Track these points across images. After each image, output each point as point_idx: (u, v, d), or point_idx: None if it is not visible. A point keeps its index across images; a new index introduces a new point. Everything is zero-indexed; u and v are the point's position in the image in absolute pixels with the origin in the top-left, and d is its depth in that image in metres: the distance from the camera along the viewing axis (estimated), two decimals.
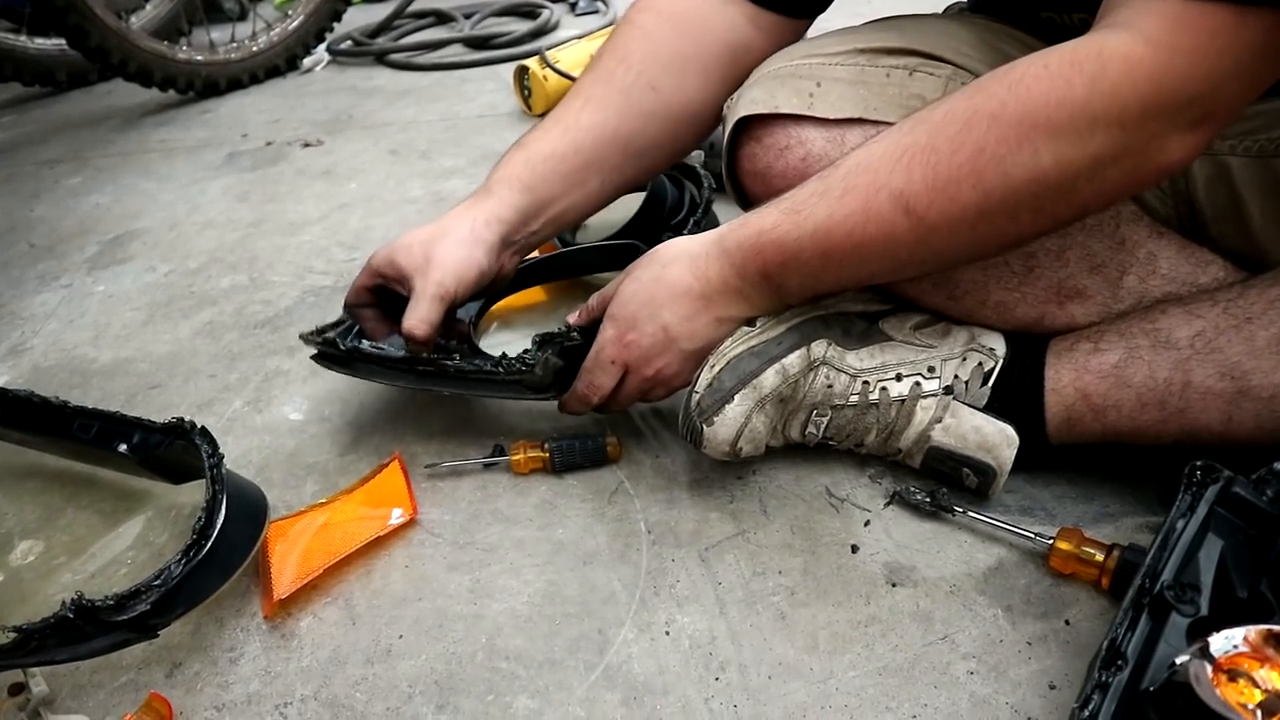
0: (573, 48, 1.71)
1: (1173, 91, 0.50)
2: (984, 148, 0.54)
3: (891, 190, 0.57)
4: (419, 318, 0.73)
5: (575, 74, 1.62)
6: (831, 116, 0.68)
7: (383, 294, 0.81)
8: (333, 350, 0.81)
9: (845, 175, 0.60)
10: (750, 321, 0.69)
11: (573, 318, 0.74)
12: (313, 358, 0.84)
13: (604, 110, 0.79)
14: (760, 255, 0.64)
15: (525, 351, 0.73)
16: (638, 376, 0.70)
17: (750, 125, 0.71)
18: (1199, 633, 0.49)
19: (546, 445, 0.77)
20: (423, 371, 0.76)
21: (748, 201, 0.75)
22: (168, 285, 1.21)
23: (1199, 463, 0.58)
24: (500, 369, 0.73)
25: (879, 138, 0.60)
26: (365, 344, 0.81)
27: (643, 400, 0.74)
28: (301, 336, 0.84)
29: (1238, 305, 0.62)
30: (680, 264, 0.67)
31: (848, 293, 0.76)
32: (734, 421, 0.67)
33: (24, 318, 1.17)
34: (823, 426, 0.70)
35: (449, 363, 0.75)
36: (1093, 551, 0.62)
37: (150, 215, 1.45)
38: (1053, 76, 0.52)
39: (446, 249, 0.75)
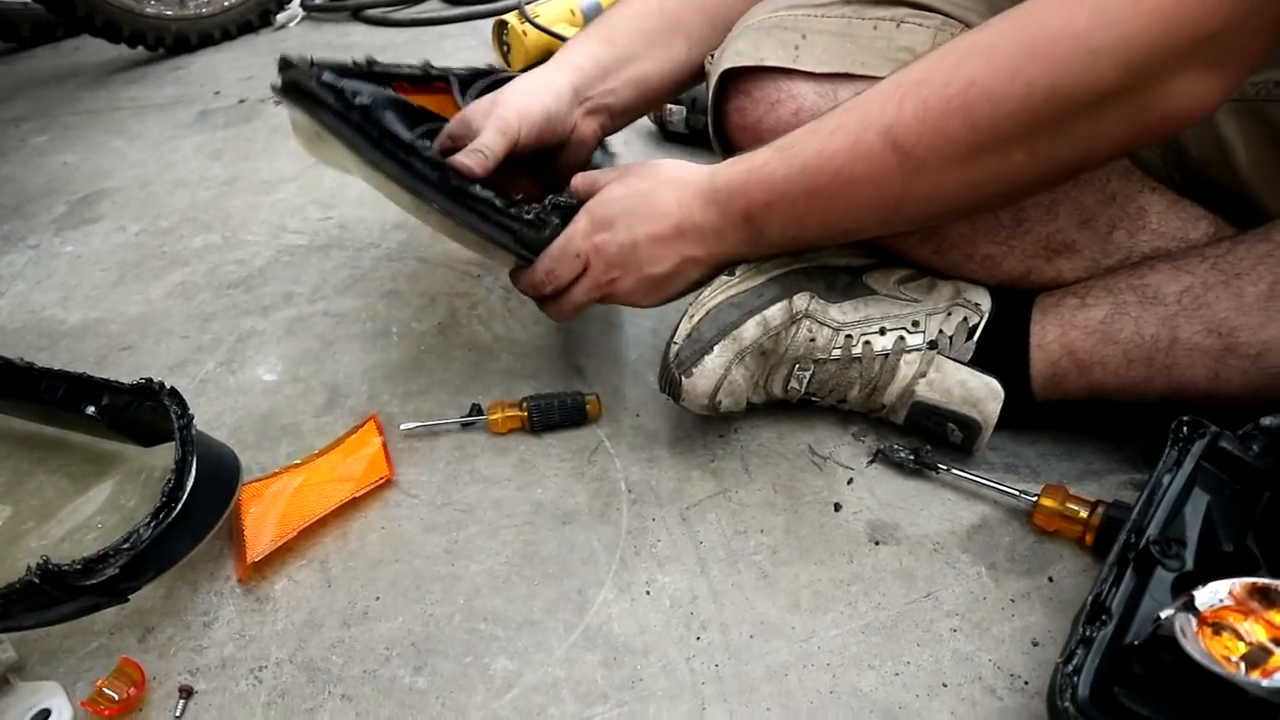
0: (552, 2, 1.67)
1: (1187, 27, 0.46)
2: (975, 80, 0.51)
3: (881, 126, 0.55)
4: (472, 146, 0.69)
5: (555, 29, 1.58)
6: (817, 70, 0.66)
7: None
8: (306, 82, 0.64)
9: (839, 113, 0.58)
10: (730, 271, 0.67)
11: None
12: (278, 88, 0.68)
13: None
14: (745, 194, 0.61)
15: (538, 207, 0.69)
16: (592, 279, 0.68)
17: (737, 78, 0.69)
18: (1184, 587, 0.49)
19: (525, 404, 0.75)
20: (416, 166, 0.65)
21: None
22: (138, 245, 1.17)
23: (1185, 418, 0.57)
24: (509, 207, 0.67)
25: (888, 79, 0.57)
26: (361, 90, 0.66)
27: (586, 303, 0.71)
28: (282, 60, 0.67)
29: (1226, 261, 0.61)
30: (671, 189, 0.65)
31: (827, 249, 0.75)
32: (713, 373, 0.65)
33: None
34: (805, 381, 0.69)
35: (457, 181, 0.66)
36: (1077, 508, 0.61)
37: (120, 174, 1.41)
38: (1054, 7, 0.50)
39: (514, 91, 0.73)
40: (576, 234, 0.68)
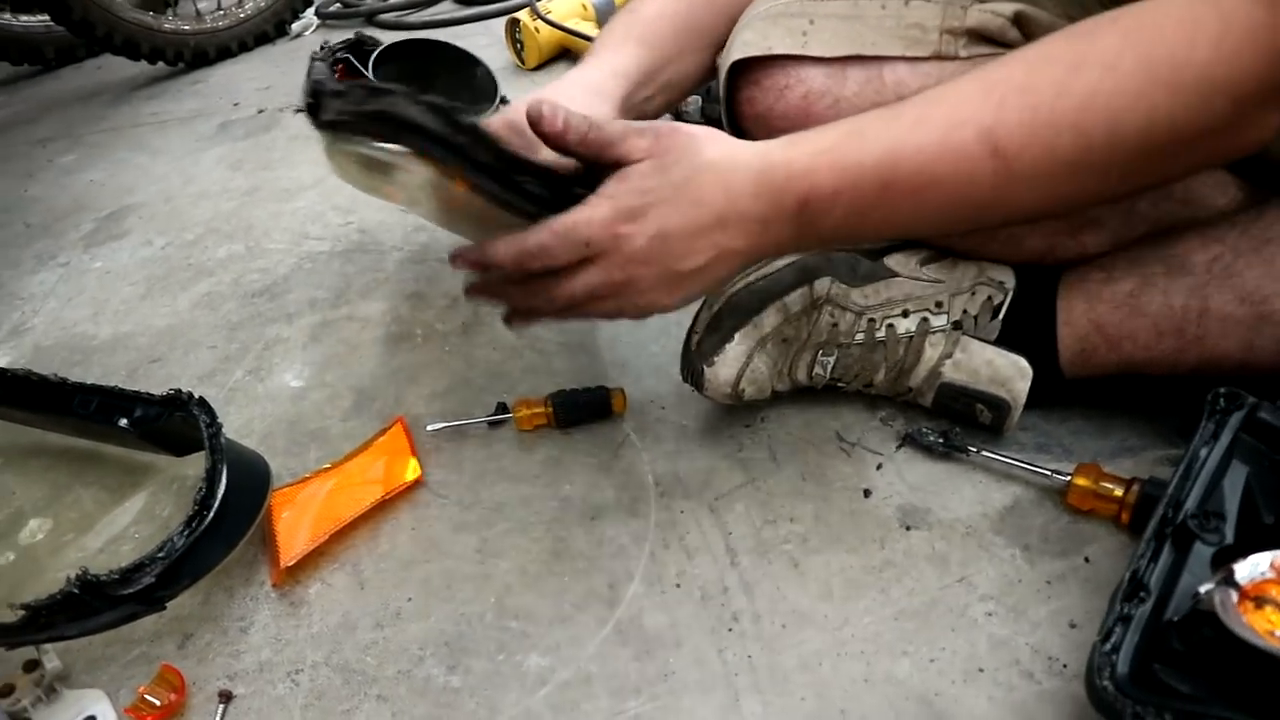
0: None
1: None
2: (1095, 96, 0.48)
3: (978, 126, 0.50)
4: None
5: (568, 24, 1.58)
6: (827, 55, 0.66)
7: None
8: (404, 109, 0.51)
9: (918, 105, 0.52)
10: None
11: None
12: (357, 121, 0.53)
13: None
14: (809, 177, 0.53)
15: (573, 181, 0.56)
16: (603, 272, 0.55)
17: (747, 69, 0.69)
18: (1224, 561, 0.48)
19: (550, 401, 0.75)
20: (530, 187, 0.55)
21: None
22: (165, 258, 1.19)
23: (1222, 390, 0.56)
24: (553, 181, 0.55)
25: (957, 75, 0.53)
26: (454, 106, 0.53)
27: (570, 314, 0.59)
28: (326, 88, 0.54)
29: (1256, 227, 0.59)
30: (715, 173, 0.55)
31: None
32: (735, 361, 0.65)
33: (23, 298, 1.16)
34: (829, 367, 0.68)
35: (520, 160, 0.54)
36: (1111, 486, 0.60)
37: (144, 189, 1.43)
38: (1174, 32, 0.47)
39: (571, 96, 0.66)
40: (593, 220, 0.54)
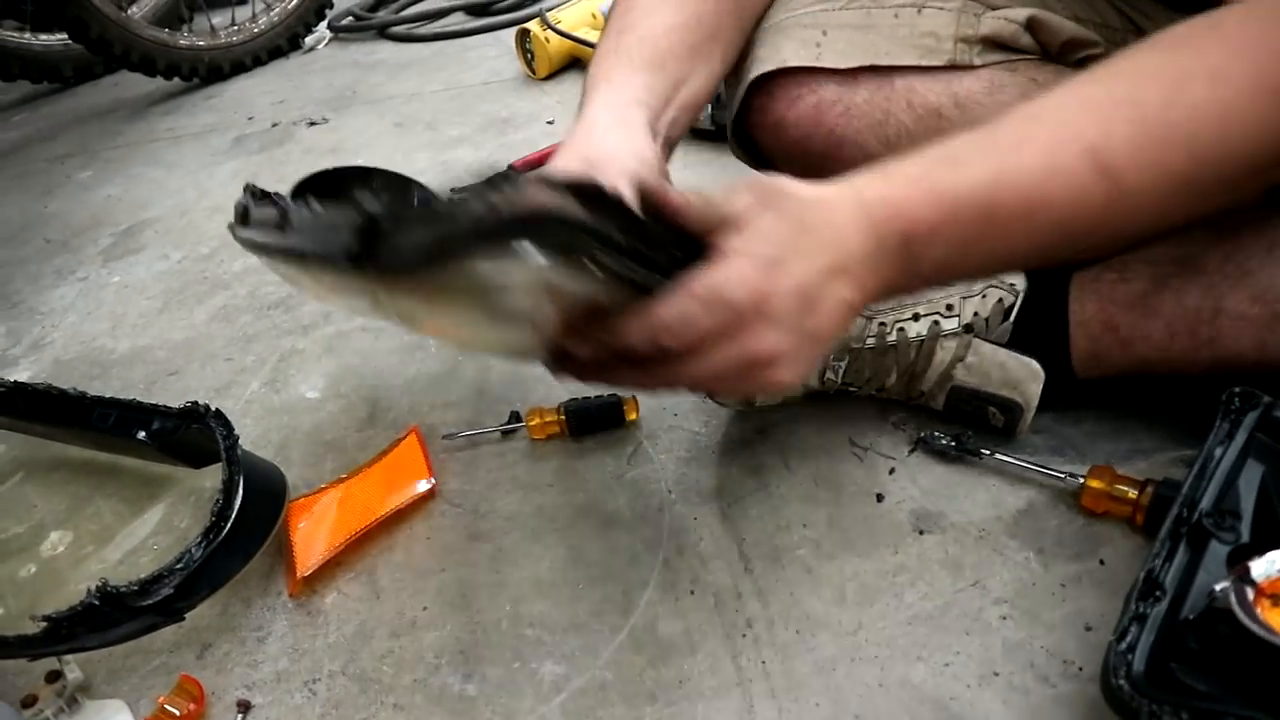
0: (573, 7, 1.68)
1: None
2: (1204, 107, 0.46)
3: (1085, 144, 0.47)
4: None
5: (578, 34, 1.59)
6: (841, 67, 0.66)
7: None
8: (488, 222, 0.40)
9: (1015, 126, 0.48)
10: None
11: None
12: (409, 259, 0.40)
13: None
14: (906, 211, 0.47)
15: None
16: (743, 347, 0.45)
17: (760, 82, 0.69)
18: (1240, 560, 0.47)
19: (563, 409, 0.76)
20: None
21: (756, 161, 0.73)
22: (181, 272, 1.21)
23: (1237, 389, 0.56)
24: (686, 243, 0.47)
25: (1052, 90, 0.49)
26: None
27: (696, 388, 0.51)
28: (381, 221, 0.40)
29: (1271, 225, 0.59)
30: (821, 209, 0.47)
31: None
32: None
33: (43, 312, 1.17)
34: (841, 371, 0.68)
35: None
36: (1125, 488, 0.60)
37: (161, 204, 1.45)
38: (1275, 39, 0.45)
39: (605, 143, 0.58)
40: (733, 278, 0.44)
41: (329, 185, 0.64)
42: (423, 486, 0.72)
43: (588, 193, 0.42)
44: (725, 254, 0.45)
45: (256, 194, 0.54)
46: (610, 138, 0.59)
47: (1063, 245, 0.51)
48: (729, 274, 0.44)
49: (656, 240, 0.46)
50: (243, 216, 0.53)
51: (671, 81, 0.65)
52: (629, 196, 0.50)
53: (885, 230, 0.47)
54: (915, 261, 0.48)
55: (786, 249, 0.45)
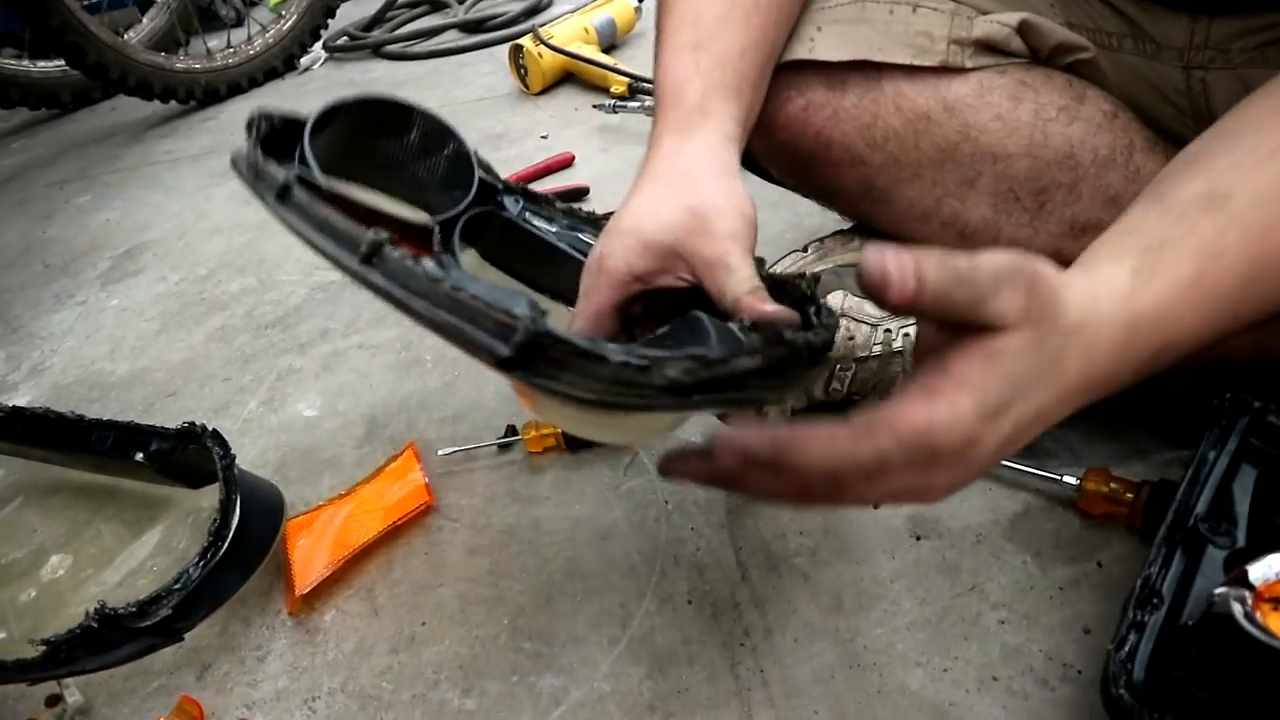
0: (566, 22, 1.69)
1: None
2: None
3: None
4: (750, 282, 0.49)
5: (570, 48, 1.60)
6: (833, 59, 0.66)
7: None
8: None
9: (1259, 206, 0.43)
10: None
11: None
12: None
13: None
14: (1175, 324, 0.42)
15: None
16: (919, 480, 0.38)
17: None
18: (1237, 564, 0.47)
19: None
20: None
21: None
22: (179, 294, 1.21)
23: (1228, 394, 0.56)
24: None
25: (1276, 158, 0.44)
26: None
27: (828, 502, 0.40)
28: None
29: None
30: (1079, 342, 0.39)
31: (854, 243, 0.75)
32: None
33: (42, 337, 1.18)
34: (847, 381, 0.69)
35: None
36: (1121, 490, 0.60)
37: (159, 226, 1.46)
38: None
39: (711, 195, 0.52)
40: (953, 425, 0.36)
41: (358, 120, 0.58)
42: (420, 502, 0.72)
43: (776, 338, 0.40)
44: (955, 384, 0.36)
45: (297, 159, 0.52)
46: (714, 188, 0.53)
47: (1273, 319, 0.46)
48: (951, 418, 0.36)
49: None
50: (282, 193, 0.46)
51: (749, 110, 0.61)
52: (746, 263, 0.49)
53: (1143, 350, 0.42)
54: (1152, 368, 0.43)
55: (1021, 388, 0.38)
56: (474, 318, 0.38)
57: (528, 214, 0.63)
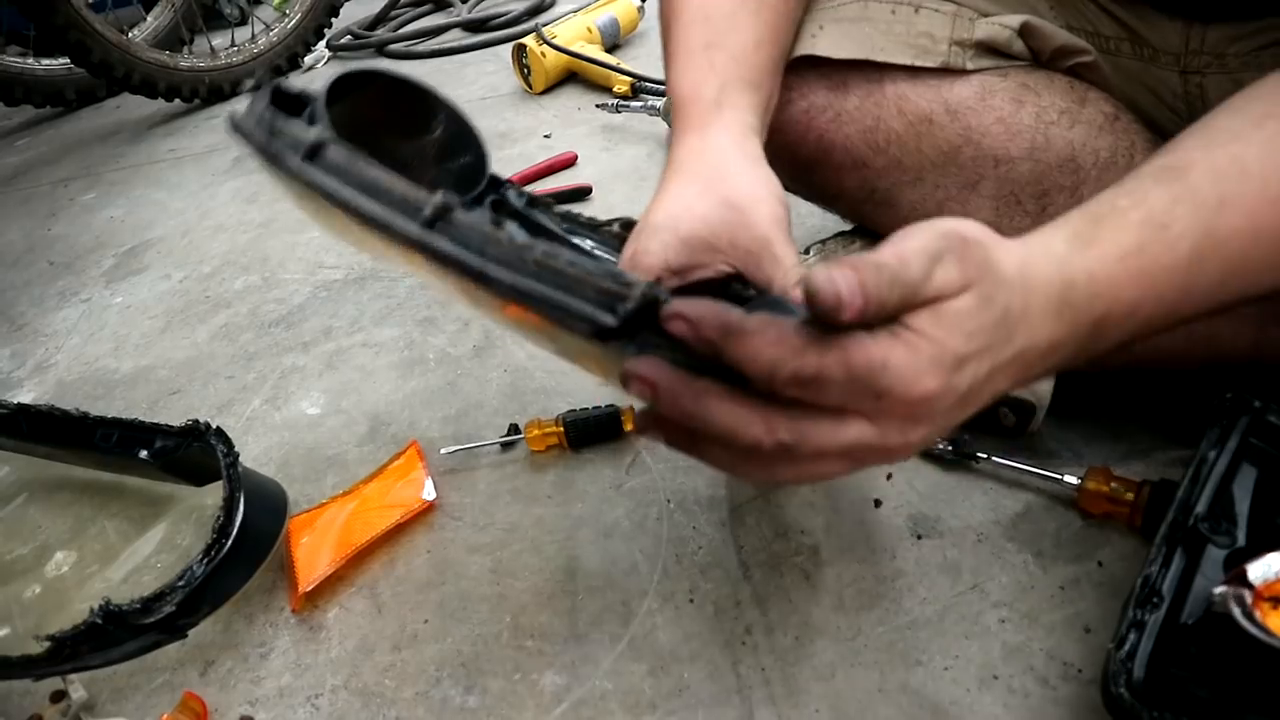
0: (569, 21, 1.69)
1: None
2: None
3: None
4: (798, 273, 0.49)
5: (573, 48, 1.60)
6: (835, 56, 0.66)
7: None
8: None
9: (1215, 180, 0.43)
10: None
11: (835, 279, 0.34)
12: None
13: None
14: (1110, 292, 0.42)
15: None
16: (875, 437, 0.38)
17: None
18: (1237, 563, 0.47)
19: (561, 421, 0.76)
20: None
21: None
22: (183, 291, 1.21)
23: (1229, 394, 0.56)
24: None
25: (1241, 139, 0.45)
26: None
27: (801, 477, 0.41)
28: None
29: None
30: (1021, 296, 0.39)
31: (856, 245, 0.75)
32: None
33: (47, 334, 1.18)
34: None
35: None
36: (1122, 489, 0.60)
37: (163, 224, 1.46)
38: None
39: (743, 183, 0.52)
40: (906, 369, 0.36)
41: (371, 103, 0.52)
42: (423, 500, 0.73)
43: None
44: (913, 334, 0.36)
45: (309, 107, 0.44)
46: (745, 177, 0.53)
47: (1237, 304, 0.47)
48: (904, 361, 0.36)
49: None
50: (313, 151, 0.41)
51: (767, 101, 0.61)
52: (785, 244, 0.49)
53: (1082, 316, 0.42)
54: (1096, 343, 0.43)
55: (977, 344, 0.38)
56: (571, 286, 0.36)
57: (533, 212, 0.63)
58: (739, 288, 0.51)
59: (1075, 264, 0.41)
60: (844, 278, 0.34)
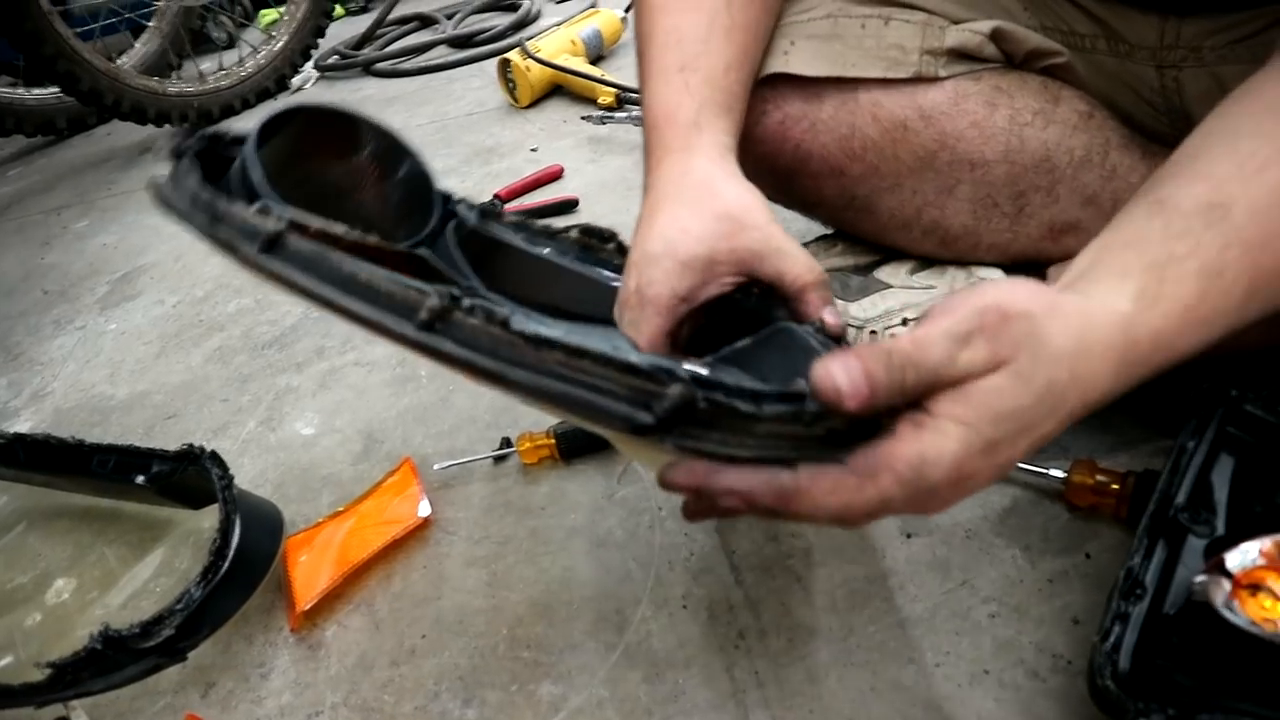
0: (552, 35, 1.70)
1: None
2: None
3: None
4: (811, 268, 0.51)
5: (558, 61, 1.61)
6: (808, 74, 0.67)
7: None
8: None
9: (1258, 218, 0.43)
10: None
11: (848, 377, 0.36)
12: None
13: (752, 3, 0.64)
14: (1176, 345, 0.42)
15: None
16: (907, 506, 0.39)
17: None
18: (1216, 552, 0.48)
19: (552, 433, 0.77)
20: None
21: None
22: (177, 316, 1.22)
23: (1205, 385, 0.57)
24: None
25: (1272, 166, 0.43)
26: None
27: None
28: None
29: None
30: (1072, 370, 0.39)
31: (837, 248, 0.76)
32: None
33: (43, 362, 1.19)
34: None
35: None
36: (1107, 481, 0.61)
37: (155, 250, 1.47)
38: None
39: (735, 199, 0.52)
40: (944, 459, 0.37)
41: (295, 139, 0.52)
42: (418, 516, 0.73)
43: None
44: (941, 420, 0.37)
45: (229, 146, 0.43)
46: (732, 191, 0.54)
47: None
48: (941, 452, 0.37)
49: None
50: (271, 243, 0.38)
51: (738, 124, 0.61)
52: (785, 237, 0.50)
53: (1140, 370, 0.41)
54: (1143, 380, 0.42)
55: (1013, 426, 0.38)
56: (600, 387, 0.35)
57: (488, 225, 0.62)
58: (747, 298, 0.52)
59: (1140, 324, 0.41)
60: (848, 369, 0.36)
